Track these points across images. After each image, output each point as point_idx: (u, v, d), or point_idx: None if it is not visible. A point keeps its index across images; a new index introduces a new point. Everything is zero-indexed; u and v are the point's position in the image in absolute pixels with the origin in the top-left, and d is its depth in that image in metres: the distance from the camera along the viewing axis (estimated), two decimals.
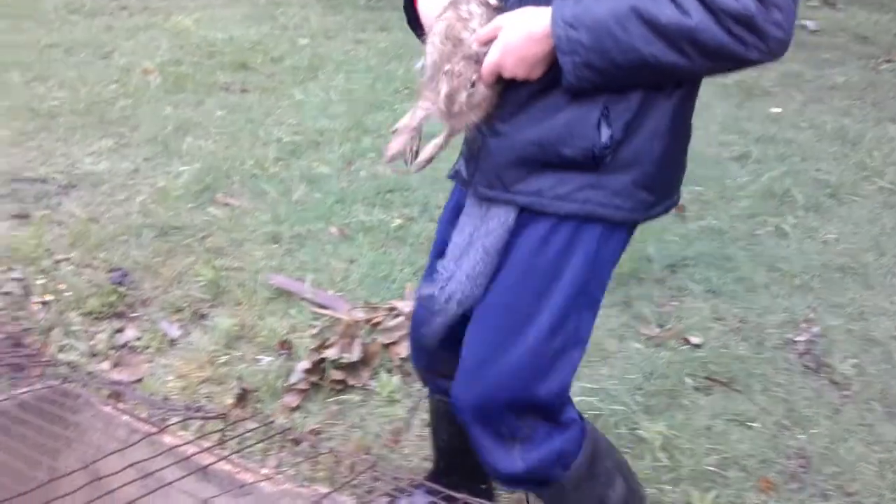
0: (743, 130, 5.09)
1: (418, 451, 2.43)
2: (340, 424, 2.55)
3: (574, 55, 1.33)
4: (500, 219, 1.52)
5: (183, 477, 1.42)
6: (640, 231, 3.36)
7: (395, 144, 1.53)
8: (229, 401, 2.59)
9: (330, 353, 2.72)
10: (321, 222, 3.76)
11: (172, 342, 2.93)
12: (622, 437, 2.49)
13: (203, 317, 3.08)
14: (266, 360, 2.83)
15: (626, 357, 2.89)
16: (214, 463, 1.50)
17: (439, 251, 1.68)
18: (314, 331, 2.96)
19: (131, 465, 1.38)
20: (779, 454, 2.47)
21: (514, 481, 1.66)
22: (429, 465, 2.26)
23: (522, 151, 1.46)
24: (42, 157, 4.34)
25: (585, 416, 2.53)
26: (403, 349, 2.80)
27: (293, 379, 2.71)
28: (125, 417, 1.61)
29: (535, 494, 1.77)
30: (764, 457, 2.45)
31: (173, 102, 5.20)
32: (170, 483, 1.37)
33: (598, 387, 2.70)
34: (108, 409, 1.63)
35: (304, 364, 2.71)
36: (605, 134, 1.40)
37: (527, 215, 1.50)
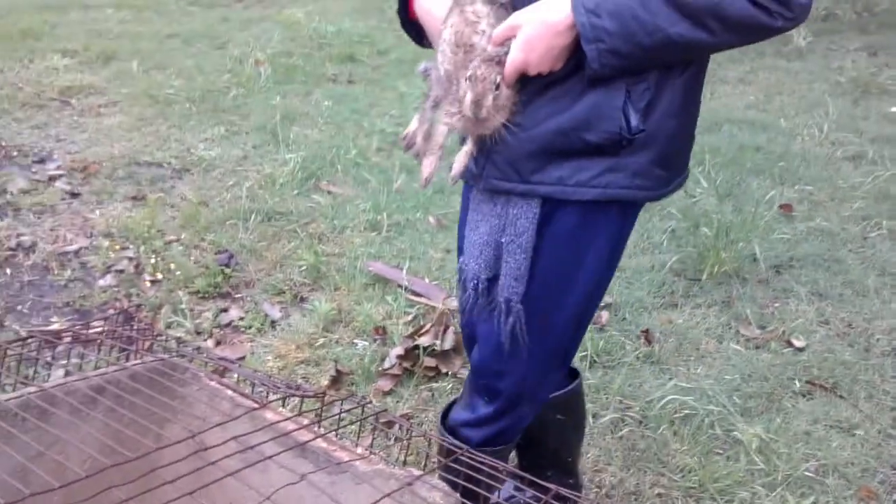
0: (858, 129, 4.87)
1: None
2: (431, 410, 2.58)
3: (599, 43, 1.31)
4: (527, 215, 1.50)
5: (281, 452, 1.47)
6: (745, 230, 3.27)
7: (429, 168, 1.50)
8: (325, 382, 2.67)
9: (423, 341, 2.76)
10: (420, 212, 3.81)
11: (273, 323, 3.03)
12: (717, 437, 2.44)
13: (303, 300, 3.18)
14: (361, 344, 2.89)
15: (724, 358, 2.83)
16: (312, 440, 1.56)
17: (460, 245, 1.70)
18: (409, 318, 3.01)
19: (233, 438, 1.44)
20: (882, 463, 2.37)
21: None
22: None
23: (543, 141, 1.43)
24: (158, 143, 4.55)
25: (679, 415, 2.50)
26: None
27: (387, 364, 2.76)
28: (229, 392, 1.68)
29: None
30: (866, 465, 2.36)
31: (282, 92, 5.36)
32: (269, 457, 1.43)
33: (693, 386, 2.65)
34: (213, 383, 1.70)
35: (398, 350, 2.76)
36: (635, 117, 1.39)
37: (549, 205, 1.48)
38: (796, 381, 2.71)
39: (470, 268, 1.60)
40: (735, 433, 2.45)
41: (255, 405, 1.67)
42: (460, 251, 1.73)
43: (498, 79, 1.36)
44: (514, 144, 1.44)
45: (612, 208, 1.50)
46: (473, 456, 1.48)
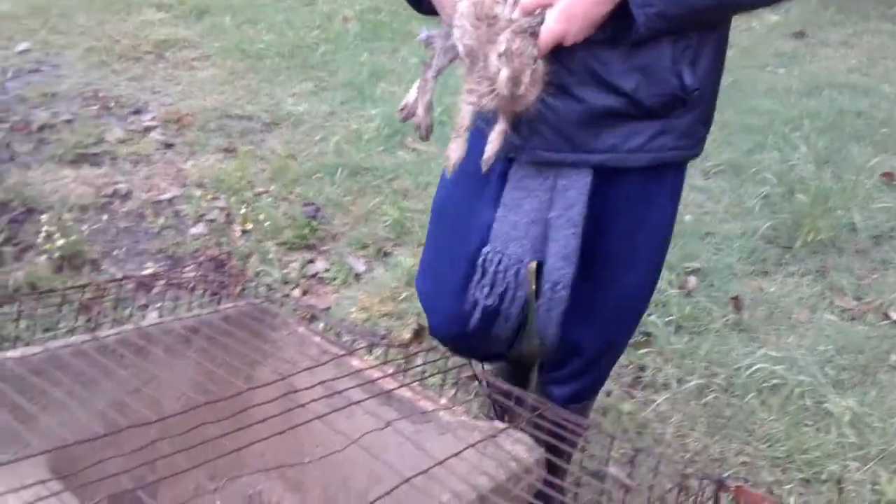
0: None
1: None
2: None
3: (647, 7, 1.26)
4: (577, 186, 1.44)
5: (367, 398, 1.49)
6: (844, 198, 3.14)
7: (457, 152, 1.38)
8: (407, 335, 2.69)
9: None
10: None
11: (357, 276, 3.06)
12: (806, 408, 2.37)
13: (387, 254, 3.20)
14: None
15: (817, 328, 2.74)
16: (396, 388, 1.57)
17: (463, 238, 1.57)
18: None
19: (321, 383, 1.46)
20: None
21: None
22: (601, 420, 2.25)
23: (594, 108, 1.37)
24: (249, 96, 4.62)
25: (768, 384, 2.43)
26: None
27: None
28: (317, 339, 1.70)
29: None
30: None
31: (370, 49, 5.37)
32: (355, 403, 1.45)
33: (783, 355, 2.57)
34: (301, 329, 1.73)
35: None
36: (688, 76, 1.36)
37: (601, 175, 1.43)
38: (893, 355, 2.60)
39: (510, 252, 1.50)
40: (826, 405, 2.37)
41: (342, 352, 1.69)
42: (457, 243, 1.59)
43: (535, 52, 1.27)
44: (566, 114, 1.38)
45: (665, 171, 1.47)
46: (558, 413, 1.47)
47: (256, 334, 1.72)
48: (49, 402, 1.44)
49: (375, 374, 1.62)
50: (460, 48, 1.36)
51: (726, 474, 2.19)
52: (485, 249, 1.52)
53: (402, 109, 1.53)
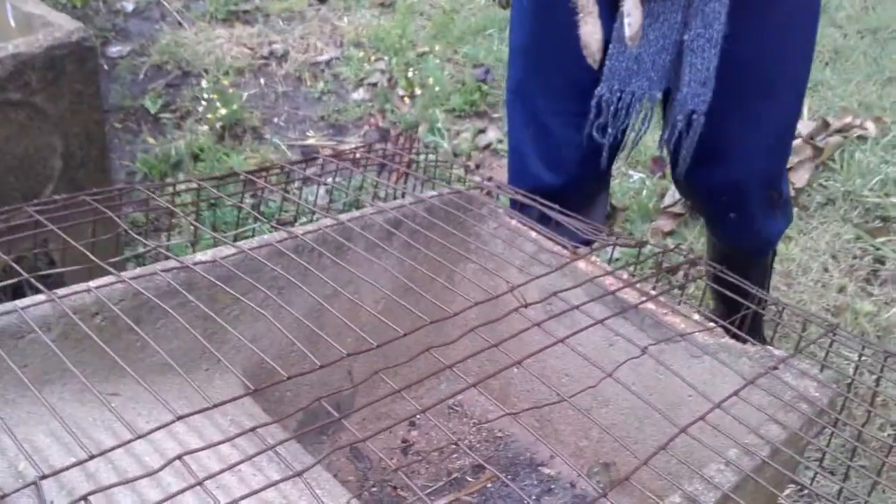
0: None
1: (816, 297, 2.08)
2: None
3: None
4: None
5: (588, 302, 1.22)
6: None
7: (594, 35, 1.23)
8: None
9: None
10: None
11: None
12: None
13: None
14: (637, 176, 2.56)
15: None
16: (644, 302, 1.29)
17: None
18: None
19: (554, 295, 1.20)
20: None
21: (774, 243, 1.68)
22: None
23: None
24: None
25: None
26: (802, 178, 2.40)
27: (667, 200, 2.44)
28: (532, 234, 1.43)
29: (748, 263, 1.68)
30: None
31: None
32: (575, 307, 1.18)
33: None
34: (514, 221, 1.46)
35: None
36: None
37: None
38: None
39: (635, 86, 1.35)
40: None
41: (565, 252, 1.41)
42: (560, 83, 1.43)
43: None
44: None
45: None
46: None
47: (461, 226, 1.46)
48: (242, 311, 1.24)
49: (606, 278, 1.35)
50: None
51: None
52: (598, 90, 1.38)
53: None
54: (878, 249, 2.22)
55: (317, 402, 0.98)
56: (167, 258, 1.13)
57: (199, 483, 0.82)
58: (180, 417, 0.90)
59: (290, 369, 1.36)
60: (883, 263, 2.19)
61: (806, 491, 1.58)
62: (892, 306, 2.05)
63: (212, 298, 1.19)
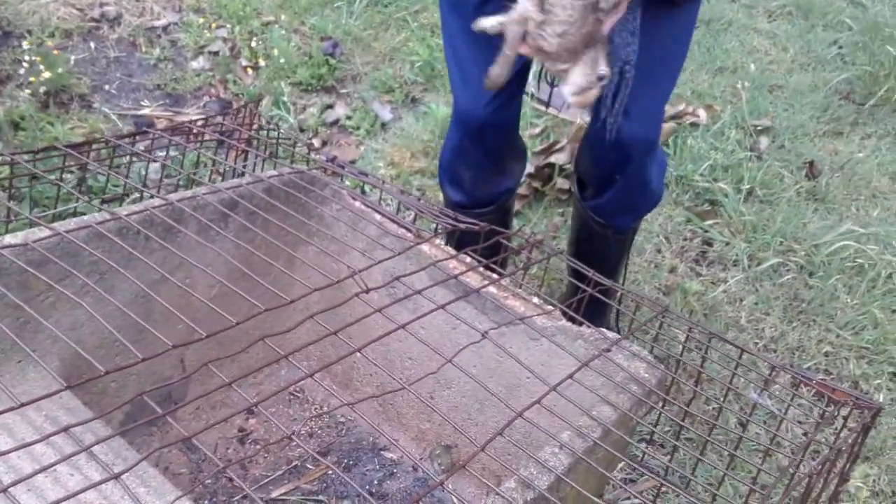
0: None
1: (649, 277, 2.17)
2: (564, 238, 2.30)
3: None
4: None
5: (431, 286, 1.21)
6: None
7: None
8: (442, 197, 2.38)
9: (558, 159, 2.43)
10: None
11: (384, 126, 2.72)
12: None
13: (415, 101, 2.84)
14: None
15: None
16: (464, 272, 1.29)
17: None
18: (536, 130, 2.66)
19: (396, 279, 1.18)
20: None
21: (639, 217, 1.79)
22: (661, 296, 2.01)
23: None
24: None
25: (851, 263, 2.19)
26: None
27: None
28: (377, 216, 1.40)
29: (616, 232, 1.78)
30: None
31: None
32: (418, 291, 1.17)
33: (868, 232, 2.31)
34: (357, 203, 1.42)
35: (528, 168, 2.44)
36: None
37: None
38: None
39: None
40: None
41: (409, 235, 1.39)
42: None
43: None
44: None
45: None
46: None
47: (302, 208, 1.41)
48: (58, 298, 1.14)
49: (449, 262, 1.34)
50: None
51: (807, 366, 1.98)
52: None
53: None
54: (706, 232, 2.34)
55: (139, 396, 0.92)
56: None
57: (4, 490, 0.75)
58: None
59: (114, 359, 1.28)
60: (710, 245, 2.31)
61: (638, 462, 1.64)
62: (718, 286, 2.17)
63: (23, 285, 1.09)
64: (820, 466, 1.10)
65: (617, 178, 1.66)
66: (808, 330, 2.07)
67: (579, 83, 1.21)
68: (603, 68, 1.21)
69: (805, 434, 1.69)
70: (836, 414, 1.27)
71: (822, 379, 1.96)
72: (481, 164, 1.71)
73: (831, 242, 2.26)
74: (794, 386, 1.77)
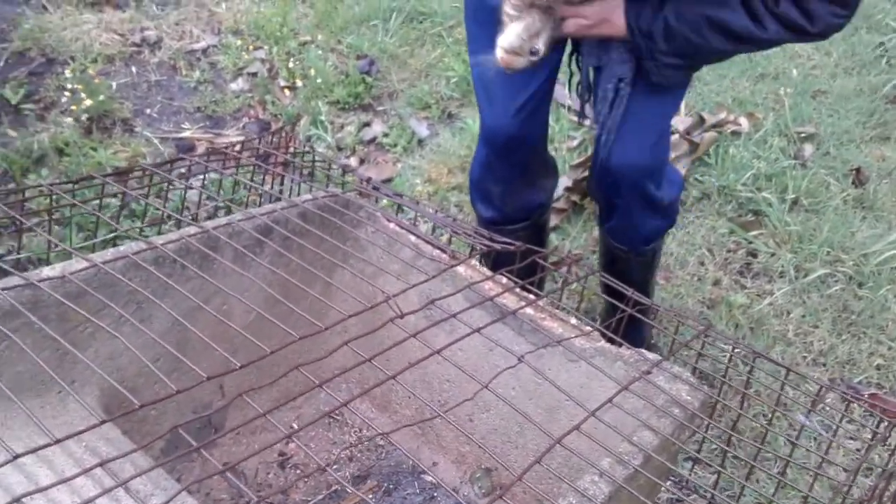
0: None
1: (693, 291, 2.13)
2: None
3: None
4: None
5: (468, 308, 1.20)
6: None
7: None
8: None
9: None
10: None
11: (420, 142, 2.72)
12: None
13: (451, 116, 2.84)
14: None
15: None
16: (500, 294, 1.27)
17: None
18: (574, 143, 2.64)
19: (433, 303, 1.17)
20: None
21: (650, 241, 1.78)
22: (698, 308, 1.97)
23: None
24: None
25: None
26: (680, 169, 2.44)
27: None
28: (412, 238, 1.39)
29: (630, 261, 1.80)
30: None
31: None
32: (454, 315, 1.15)
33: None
34: (392, 225, 1.42)
35: (565, 181, 2.42)
36: None
37: None
38: None
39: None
40: None
41: (444, 257, 1.38)
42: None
43: None
44: None
45: None
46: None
47: (336, 232, 1.41)
48: (97, 329, 1.16)
49: (485, 283, 1.33)
50: None
51: (858, 380, 1.93)
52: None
53: None
54: (750, 243, 2.29)
55: (175, 429, 0.92)
56: (7, 274, 1.04)
57: None
58: (17, 456, 0.82)
59: (153, 387, 1.29)
60: (755, 256, 2.26)
61: (684, 483, 1.61)
62: (763, 298, 2.12)
63: (61, 317, 1.10)
64: (874, 488, 1.06)
65: (616, 201, 1.67)
66: (859, 343, 2.01)
67: (510, 40, 1.28)
68: (539, 45, 1.29)
69: (858, 450, 1.64)
70: (888, 434, 1.22)
71: (873, 393, 1.91)
72: (509, 179, 1.71)
73: (881, 252, 2.20)
74: (843, 402, 1.72)
